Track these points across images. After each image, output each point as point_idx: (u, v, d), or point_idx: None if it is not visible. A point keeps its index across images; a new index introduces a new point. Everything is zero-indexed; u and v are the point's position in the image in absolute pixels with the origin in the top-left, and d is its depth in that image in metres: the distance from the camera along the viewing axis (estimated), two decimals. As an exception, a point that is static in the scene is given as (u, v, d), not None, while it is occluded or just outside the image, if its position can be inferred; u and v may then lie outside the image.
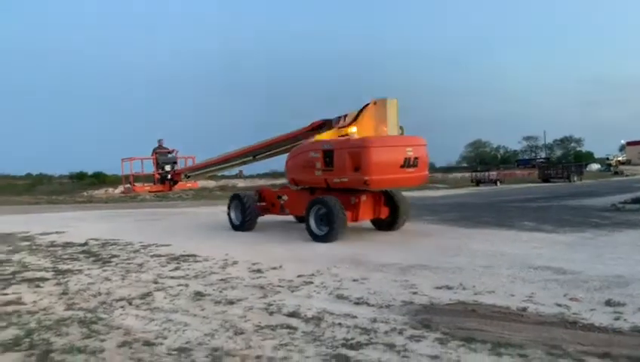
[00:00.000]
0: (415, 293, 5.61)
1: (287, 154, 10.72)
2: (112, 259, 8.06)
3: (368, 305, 5.23)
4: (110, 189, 28.69)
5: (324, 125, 10.59)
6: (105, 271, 7.24)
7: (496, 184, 34.95)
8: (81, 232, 11.16)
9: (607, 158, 71.29)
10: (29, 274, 7.07)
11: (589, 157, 77.89)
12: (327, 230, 9.14)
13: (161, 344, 4.26)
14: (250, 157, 13.22)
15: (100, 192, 27.66)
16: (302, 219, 11.37)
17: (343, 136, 9.87)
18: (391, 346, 4.06)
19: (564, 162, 52.88)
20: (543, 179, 38.85)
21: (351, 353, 3.95)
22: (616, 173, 51.06)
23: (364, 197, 9.61)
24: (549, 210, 14.63)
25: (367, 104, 9.86)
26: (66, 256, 8.45)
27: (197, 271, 6.98)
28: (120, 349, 4.18)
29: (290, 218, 11.79)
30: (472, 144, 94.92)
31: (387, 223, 10.22)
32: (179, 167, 23.47)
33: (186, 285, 6.22)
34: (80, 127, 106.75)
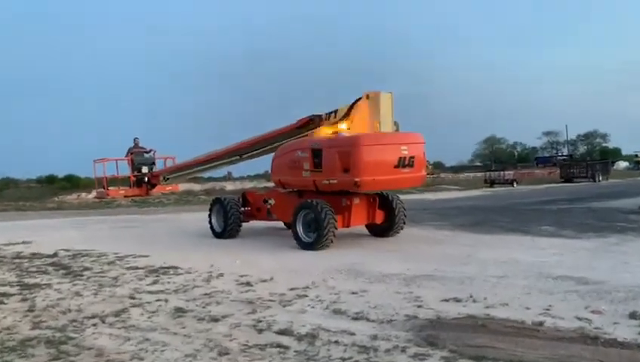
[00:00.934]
0: (420, 307, 5.62)
1: (274, 153, 10.79)
2: (84, 272, 8.05)
3: (368, 320, 5.24)
4: (83, 194, 28.71)
5: (312, 122, 10.68)
6: (76, 285, 7.23)
7: (512, 185, 34.97)
8: (50, 242, 11.14)
9: (636, 155, 71.39)
10: (-9, 290, 7.07)
11: (616, 154, 78.03)
12: (315, 236, 9.18)
13: (137, 366, 4.27)
14: (237, 157, 13.27)
15: (71, 197, 27.67)
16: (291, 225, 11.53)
17: (333, 133, 9.95)
18: (392, 366, 4.08)
19: (588, 160, 52.92)
20: (565, 179, 38.87)
21: (348, 374, 3.96)
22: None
23: (356, 201, 9.67)
24: (570, 213, 14.67)
25: (359, 98, 9.92)
26: (33, 269, 8.45)
27: (178, 285, 6.98)
28: (91, 372, 4.18)
29: (280, 224, 11.80)
30: (486, 140, 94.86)
31: (382, 228, 10.28)
32: (157, 168, 23.44)
33: (166, 300, 6.22)
34: (49, 126, 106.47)
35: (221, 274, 7.54)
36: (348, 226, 9.73)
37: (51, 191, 32.82)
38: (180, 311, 5.74)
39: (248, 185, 37.97)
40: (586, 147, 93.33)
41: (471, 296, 5.92)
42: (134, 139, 24.84)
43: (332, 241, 9.16)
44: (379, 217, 10.08)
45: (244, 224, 11.25)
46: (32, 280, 7.59)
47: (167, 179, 19.65)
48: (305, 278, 7.08)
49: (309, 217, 9.31)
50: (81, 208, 21.99)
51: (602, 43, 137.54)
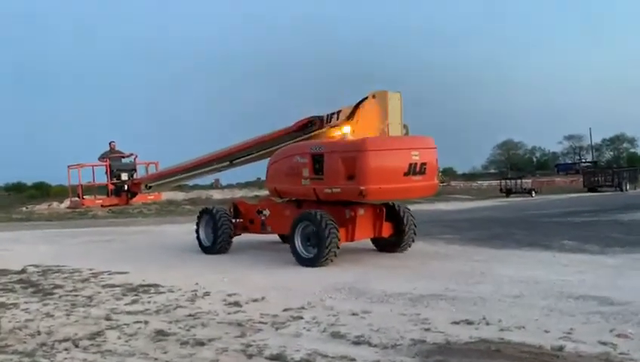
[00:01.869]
0: (428, 330, 5.62)
1: (269, 158, 10.72)
2: (55, 291, 8.05)
3: (370, 344, 5.24)
4: (54, 203, 28.67)
5: (311, 124, 10.64)
6: (46, 305, 7.22)
7: (530, 194, 35.01)
8: (17, 257, 11.14)
9: (668, 162, 71.62)
10: (-49, 310, 7.06)
11: (645, 161, 78.27)
12: (315, 252, 9.13)
13: (114, 395, 4.27)
14: (227, 163, 13.20)
15: (42, 207, 27.64)
16: (287, 239, 11.41)
17: (335, 136, 9.94)
18: (396, 395, 4.09)
19: (614, 167, 53.06)
20: (589, 188, 38.93)
21: (347, 404, 3.97)
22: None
23: (361, 211, 9.61)
24: (595, 226, 14.69)
25: (365, 98, 9.90)
26: (-1, 287, 8.45)
27: (159, 305, 6.98)
28: (62, 402, 4.18)
29: (274, 237, 11.79)
30: (502, 145, 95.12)
31: (390, 243, 10.22)
32: (138, 175, 23.36)
33: (146, 322, 6.21)
34: (17, 129, 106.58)
35: (207, 293, 7.54)
36: (352, 240, 9.64)
37: (19, 200, 32.87)
38: (161, 334, 5.73)
39: (238, 193, 37.96)
40: (612, 153, 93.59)
41: (484, 318, 5.93)
42: (110, 143, 24.77)
43: (334, 257, 9.10)
44: (386, 230, 9.99)
45: (234, 238, 11.20)
46: (-3, 300, 7.59)
47: (150, 187, 19.40)
48: (300, 298, 7.08)
49: (308, 230, 9.24)
50: (52, 219, 21.98)
51: (630, 41, 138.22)
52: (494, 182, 45.53)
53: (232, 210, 11.31)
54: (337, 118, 10.24)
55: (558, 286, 7.29)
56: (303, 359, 4.88)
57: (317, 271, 8.84)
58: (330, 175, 9.12)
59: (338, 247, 9.10)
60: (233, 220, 11.12)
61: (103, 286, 8.25)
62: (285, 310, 6.52)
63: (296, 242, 9.39)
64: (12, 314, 6.80)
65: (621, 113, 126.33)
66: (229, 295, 7.37)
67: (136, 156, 24.99)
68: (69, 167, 24.46)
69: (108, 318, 6.45)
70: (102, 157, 24.51)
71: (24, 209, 26.97)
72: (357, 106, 9.93)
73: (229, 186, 41.64)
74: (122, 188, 23.49)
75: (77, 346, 5.46)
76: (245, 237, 11.59)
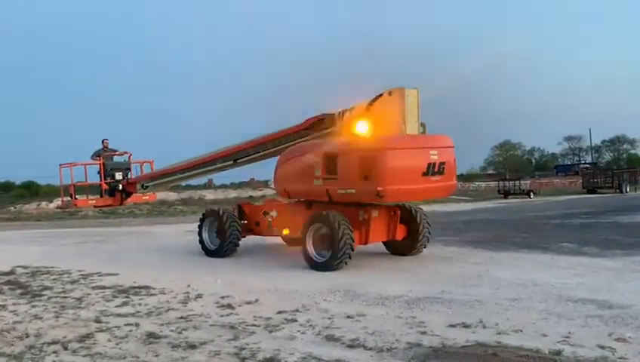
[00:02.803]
0: (424, 333, 5.64)
1: (277, 158, 10.44)
2: (44, 292, 8.03)
3: (365, 348, 5.25)
4: (44, 203, 28.62)
5: (322, 122, 10.35)
6: (35, 306, 7.20)
7: (529, 196, 35.18)
8: (5, 257, 11.12)
9: (669, 164, 71.93)
10: (-63, 312, 7.05)
11: (645, 163, 78.55)
12: (328, 255, 8.91)
13: (104, 398, 4.27)
14: (231, 162, 12.75)
15: (31, 207, 27.62)
16: (295, 242, 11.27)
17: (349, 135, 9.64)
18: (391, 400, 4.10)
19: (614, 168, 53.22)
20: (588, 190, 39.16)
21: (341, 409, 3.98)
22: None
23: (375, 213, 9.38)
24: (594, 228, 14.75)
25: (380, 95, 9.61)
26: (-14, 289, 8.42)
27: (150, 307, 6.97)
28: (51, 405, 4.18)
29: (276, 239, 11.53)
30: (500, 146, 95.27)
31: (404, 246, 10.00)
32: (133, 174, 23.11)
33: (137, 324, 6.21)
34: (5, 127, 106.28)
35: (199, 295, 7.54)
36: (366, 243, 9.42)
37: (7, 199, 32.78)
38: (152, 337, 5.73)
39: (232, 194, 38.01)
40: (611, 154, 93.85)
41: (481, 321, 5.95)
42: (103, 141, 24.45)
43: (348, 261, 8.87)
44: (400, 233, 9.79)
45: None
46: (-16, 301, 7.57)
47: (147, 187, 18.99)
48: (294, 300, 7.09)
49: (321, 232, 9.06)
50: (41, 219, 21.96)
51: (630, 42, 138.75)
52: (492, 184, 45.71)
53: (236, 211, 11.05)
54: (350, 115, 9.96)
55: (556, 289, 7.32)
56: (297, 362, 4.89)
57: (311, 274, 8.84)
58: (344, 175, 8.91)
59: (353, 250, 8.88)
60: (239, 222, 10.87)
61: (93, 288, 8.24)
62: (279, 312, 6.52)
63: (307, 245, 9.19)
64: (0, 316, 6.78)
65: (621, 114, 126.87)
66: (222, 297, 7.37)
67: (131, 154, 24.59)
68: (60, 165, 24.11)
69: (98, 320, 6.44)
70: (95, 156, 24.11)
71: (12, 208, 26.91)
72: (371, 103, 9.68)
73: (223, 186, 41.66)
74: (116, 188, 22.95)
75: (66, 349, 5.45)
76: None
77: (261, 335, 5.73)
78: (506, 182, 39.32)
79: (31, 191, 38.75)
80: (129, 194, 22.41)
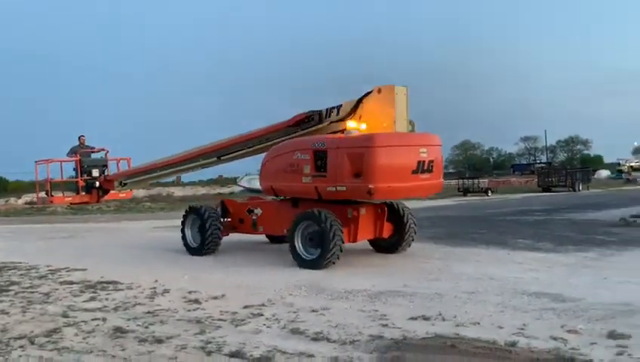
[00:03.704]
0: (385, 326, 5.67)
1: (264, 155, 10.15)
2: (11, 287, 7.89)
3: (329, 341, 5.26)
4: (12, 199, 28.04)
5: (310, 119, 10.17)
6: (1, 302, 7.07)
7: (487, 193, 35.57)
8: (-28, 253, 10.86)
9: (619, 163, 73.51)
10: None
11: (597, 162, 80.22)
12: (318, 253, 8.68)
13: (70, 392, 4.20)
14: (214, 158, 12.47)
15: (-1, 203, 27.04)
16: (277, 239, 11.05)
17: (336, 132, 9.59)
18: (354, 391, 4.11)
19: (568, 168, 54.13)
20: (543, 188, 39.66)
21: (305, 400, 3.98)
22: (628, 181, 52.56)
23: (363, 211, 9.20)
24: (548, 224, 14.99)
25: (369, 92, 9.51)
26: (-48, 284, 8.23)
27: (118, 302, 6.89)
28: (17, 400, 4.10)
29: (256, 237, 11.32)
30: (460, 146, 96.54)
31: (390, 244, 9.86)
32: (109, 171, 22.48)
33: (104, 319, 6.13)
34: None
35: (167, 291, 7.47)
36: (354, 241, 9.20)
37: (-25, 196, 32.00)
38: (119, 331, 5.66)
39: (200, 191, 37.77)
40: (566, 154, 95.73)
41: (440, 314, 6.01)
42: (79, 138, 23.82)
43: (338, 258, 8.68)
44: (387, 230, 9.63)
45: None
46: (-50, 297, 7.39)
47: (125, 184, 18.36)
48: (261, 295, 7.07)
49: (310, 230, 8.81)
50: (9, 215, 21.49)
51: (587, 45, 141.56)
52: (453, 182, 46.05)
53: (219, 208, 10.69)
54: (337, 113, 9.91)
55: (512, 283, 7.42)
56: (262, 356, 4.86)
57: (279, 270, 8.80)
58: (334, 172, 8.66)
59: (341, 249, 8.66)
60: (222, 220, 10.54)
61: (61, 283, 8.10)
62: (245, 307, 6.50)
63: (296, 243, 8.95)
64: (-34, 311, 6.64)
65: (576, 116, 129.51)
66: (189, 292, 7.31)
67: (108, 151, 23.93)
68: (36, 162, 23.45)
69: (65, 315, 6.34)
70: (71, 153, 23.39)
71: (-20, 205, 26.31)
72: (360, 101, 9.56)
73: (191, 183, 41.29)
74: (93, 185, 22.24)
75: (33, 343, 5.35)
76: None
77: (227, 329, 5.70)
78: (466, 181, 39.68)
79: (-1, 187, 37.99)
80: (106, 192, 21.65)
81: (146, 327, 5.80)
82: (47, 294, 7.45)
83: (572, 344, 5.00)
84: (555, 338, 5.14)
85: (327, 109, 10.07)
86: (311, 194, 9.08)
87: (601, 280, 7.58)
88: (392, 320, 5.86)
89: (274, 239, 11.28)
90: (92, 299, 7.14)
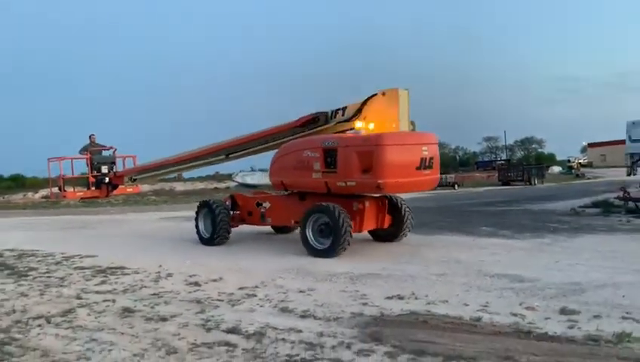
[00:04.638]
0: (365, 304, 5.69)
1: (274, 153, 9.92)
2: (30, 273, 7.82)
3: (315, 318, 5.27)
4: (29, 194, 27.76)
5: (317, 120, 9.96)
6: (21, 285, 7.01)
7: (454, 187, 35.72)
8: (-6, 242, 10.74)
9: (569, 160, 74.06)
10: None
11: (550, 159, 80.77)
12: (329, 243, 8.54)
13: (84, 366, 4.17)
14: (222, 156, 12.02)
15: (17, 197, 26.76)
16: (281, 230, 11.00)
17: (341, 131, 9.43)
18: (337, 362, 4.12)
19: (525, 164, 54.45)
20: (503, 182, 39.88)
21: (294, 370, 3.99)
22: (577, 176, 53.01)
23: (367, 204, 9.10)
24: (508, 214, 15.07)
25: (374, 95, 9.36)
26: (-24, 270, 8.13)
27: (126, 285, 6.86)
28: (36, 373, 4.07)
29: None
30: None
31: (388, 233, 9.77)
32: (117, 167, 22.28)
33: (113, 300, 6.10)
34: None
35: (170, 275, 7.44)
36: (359, 231, 9.08)
37: (-4, 190, 31.64)
38: (127, 311, 5.64)
39: (199, 185, 37.60)
40: (523, 152, 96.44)
41: (413, 294, 6.04)
42: (90, 136, 23.52)
43: (349, 245, 8.55)
44: (387, 221, 9.57)
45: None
46: (-26, 281, 7.30)
47: (135, 179, 18.12)
48: (254, 278, 7.06)
49: (320, 221, 8.67)
50: (27, 208, 21.27)
51: (541, 55, 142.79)
52: (423, 177, 46.08)
53: (229, 202, 10.54)
54: (343, 114, 9.68)
55: (476, 266, 7.47)
56: (256, 331, 4.87)
57: (269, 255, 8.80)
58: (344, 168, 8.50)
59: (351, 239, 8.58)
60: (231, 212, 10.36)
61: (75, 269, 8.04)
62: (240, 289, 6.49)
63: (308, 233, 8.78)
64: (-11, 294, 6.57)
65: (531, 118, 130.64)
66: (190, 276, 7.29)
67: (116, 149, 23.72)
68: (49, 159, 23.18)
69: (78, 297, 6.31)
70: (83, 150, 23.20)
71: (1, 199, 26.00)
72: (365, 103, 9.40)
73: (191, 179, 41.11)
74: (103, 181, 22.04)
75: (50, 323, 5.31)
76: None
77: (224, 308, 5.69)
78: (435, 176, 39.69)
79: (18, 183, 37.48)
80: (115, 187, 21.40)
81: (152, 307, 5.78)
82: (62, 278, 7.39)
83: (529, 319, 5.05)
84: (514, 314, 5.19)
85: (332, 111, 9.83)
86: (320, 188, 8.92)
87: (554, 263, 7.64)
88: (370, 299, 5.88)
89: (278, 230, 11.17)
90: (103, 282, 7.09)
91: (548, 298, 5.77)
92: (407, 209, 9.71)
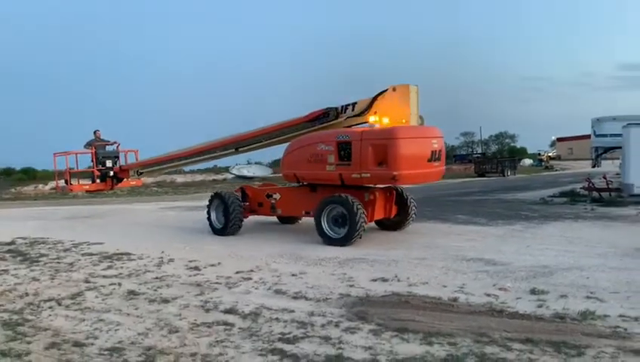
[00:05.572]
0: (352, 286, 5.72)
1: (285, 146, 9.66)
2: (41, 258, 7.78)
3: (306, 299, 5.29)
4: (40, 185, 27.51)
5: (327, 115, 9.65)
6: (33, 270, 6.98)
7: (434, 179, 35.78)
8: (7, 230, 10.65)
9: (539, 154, 74.45)
10: (-52, 276, 6.72)
11: (522, 153, 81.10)
12: (344, 232, 8.33)
13: (92, 344, 4.17)
14: (232, 150, 11.61)
15: (29, 188, 26.50)
16: (286, 220, 10.81)
17: (350, 126, 9.26)
18: (327, 339, 4.14)
19: (498, 157, 54.67)
20: (479, 174, 39.97)
21: (287, 347, 4.01)
22: (547, 168, 53.33)
23: (377, 194, 8.98)
24: (483, 203, 15.13)
25: (385, 90, 9.16)
26: (-10, 256, 8.07)
27: (131, 270, 6.85)
28: (48, 351, 4.06)
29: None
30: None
31: (394, 222, 9.64)
32: (121, 161, 22.08)
33: (119, 284, 6.09)
34: (6, 121, 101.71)
35: (171, 260, 7.42)
36: (371, 221, 8.88)
37: (9, 183, 31.35)
38: (132, 294, 5.63)
39: (198, 178, 37.39)
40: (497, 146, 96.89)
41: (396, 276, 6.08)
42: (95, 132, 23.32)
43: (364, 232, 8.40)
44: (394, 211, 9.46)
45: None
46: (-11, 267, 7.25)
47: (141, 173, 17.80)
48: (250, 262, 7.07)
49: (335, 212, 8.46)
50: (38, 199, 21.11)
51: (514, 56, 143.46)
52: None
53: (240, 193, 10.19)
54: (353, 110, 9.38)
55: (453, 251, 7.53)
56: (252, 311, 4.88)
57: (264, 241, 8.81)
58: (359, 161, 8.24)
59: (365, 228, 8.43)
60: (242, 203, 9.98)
61: (83, 255, 8.00)
62: (237, 272, 6.50)
63: (323, 223, 8.56)
64: (3, 278, 6.53)
65: (505, 114, 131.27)
66: (190, 261, 7.28)
67: (119, 144, 23.53)
68: (55, 154, 22.94)
69: (87, 281, 6.29)
70: (88, 145, 22.98)
71: (13, 190, 25.76)
72: (375, 98, 9.15)
73: (191, 172, 40.88)
74: (107, 174, 21.82)
75: (60, 305, 5.30)
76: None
77: (222, 290, 5.70)
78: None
79: (29, 175, 37.10)
80: (120, 180, 21.07)
81: (155, 290, 5.77)
82: (71, 264, 7.36)
83: (502, 299, 5.11)
84: (488, 295, 5.24)
85: (342, 106, 9.53)
86: (334, 180, 8.66)
87: (525, 248, 7.71)
88: (357, 281, 5.92)
89: (284, 220, 10.97)
90: (109, 267, 7.07)
91: (519, 279, 5.83)
92: (412, 200, 9.58)
